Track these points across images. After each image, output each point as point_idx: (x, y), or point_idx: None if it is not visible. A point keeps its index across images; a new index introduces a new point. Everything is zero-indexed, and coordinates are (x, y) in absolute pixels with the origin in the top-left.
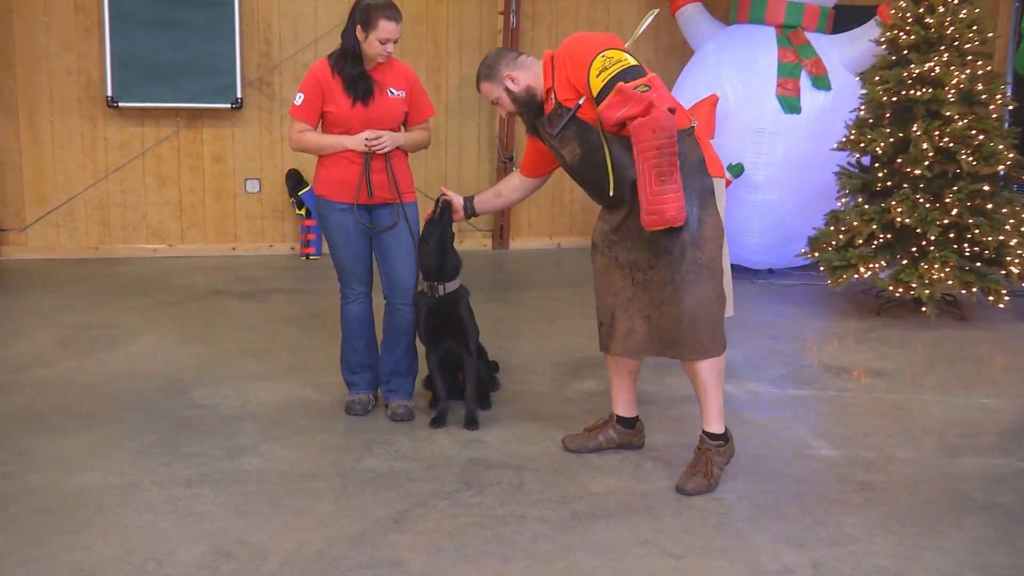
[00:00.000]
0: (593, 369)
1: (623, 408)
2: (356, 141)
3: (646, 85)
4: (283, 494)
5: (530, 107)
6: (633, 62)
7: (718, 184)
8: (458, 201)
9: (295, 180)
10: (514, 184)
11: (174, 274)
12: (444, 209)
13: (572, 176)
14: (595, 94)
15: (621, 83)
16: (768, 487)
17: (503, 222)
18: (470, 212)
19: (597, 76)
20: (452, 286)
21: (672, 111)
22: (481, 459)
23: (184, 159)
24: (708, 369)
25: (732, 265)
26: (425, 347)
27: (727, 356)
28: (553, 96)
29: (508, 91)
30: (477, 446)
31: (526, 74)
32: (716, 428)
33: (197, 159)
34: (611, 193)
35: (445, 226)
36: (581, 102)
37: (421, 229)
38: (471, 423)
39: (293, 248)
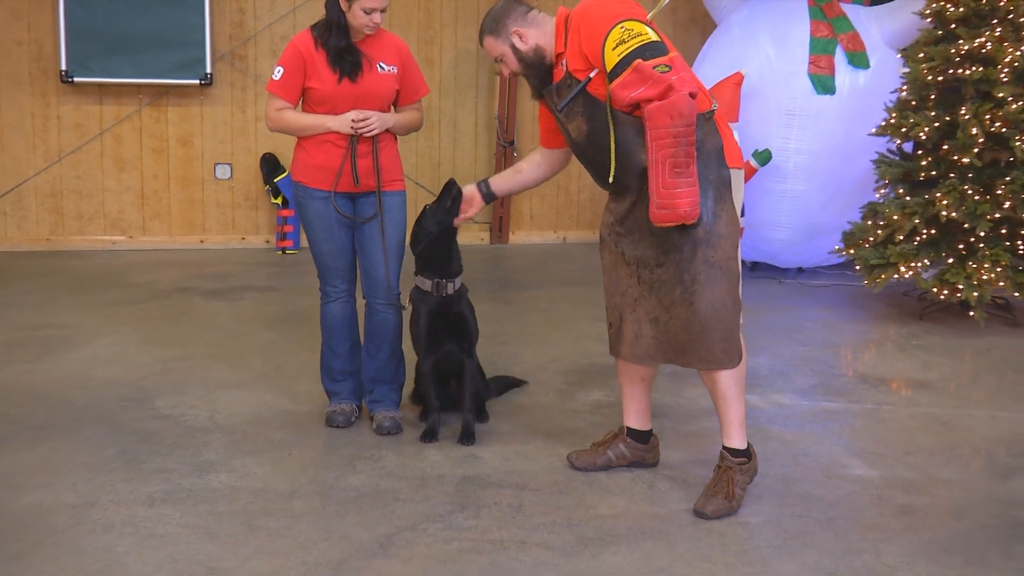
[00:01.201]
0: (602, 378)
1: (635, 420)
2: (341, 122)
3: (667, 65)
4: (256, 515)
5: (537, 70)
6: (654, 37)
7: (736, 176)
8: (470, 191)
9: (271, 165)
10: (536, 160)
11: (135, 269)
12: (456, 198)
13: (577, 155)
14: (609, 69)
15: (639, 60)
16: (796, 510)
17: (502, 213)
18: (489, 197)
19: (613, 49)
20: (457, 283)
21: (693, 96)
22: (477, 477)
23: (147, 141)
24: (728, 378)
25: (757, 263)
26: (421, 351)
27: (751, 364)
28: (564, 64)
29: (514, 49)
30: (472, 463)
31: (536, 32)
32: (738, 443)
33: (161, 141)
34: (610, 179)
35: (452, 214)
36: (592, 75)
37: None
38: (467, 437)
39: (268, 241)
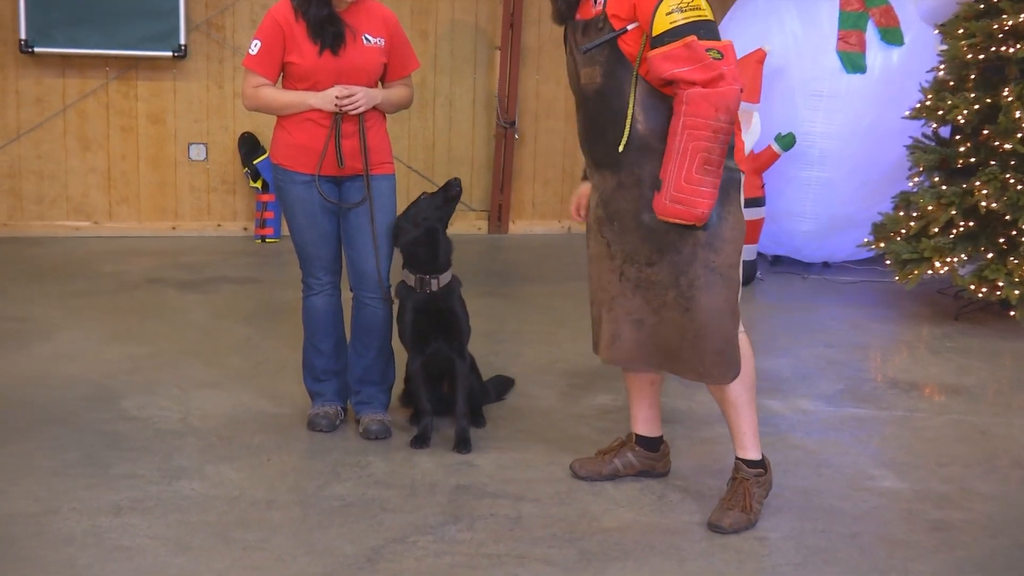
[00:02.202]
0: (609, 380)
1: (644, 427)
2: (323, 99)
3: (719, 52)
4: (232, 526)
5: None
6: (711, 16)
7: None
8: (585, 196)
9: (250, 146)
10: None
11: (101, 258)
12: (454, 199)
13: (578, 103)
14: (654, 34)
15: (694, 37)
16: (819, 525)
17: (501, 200)
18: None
19: (667, 15)
20: (445, 279)
21: (740, 91)
22: (472, 486)
23: (115, 119)
24: (736, 385)
25: (779, 257)
26: (408, 351)
27: (771, 366)
28: (601, 2)
29: None
30: (467, 471)
31: None
32: (753, 454)
33: (130, 119)
34: (620, 148)
35: (445, 214)
36: (630, 28)
37: (404, 208)
38: (462, 444)
39: (247, 229)
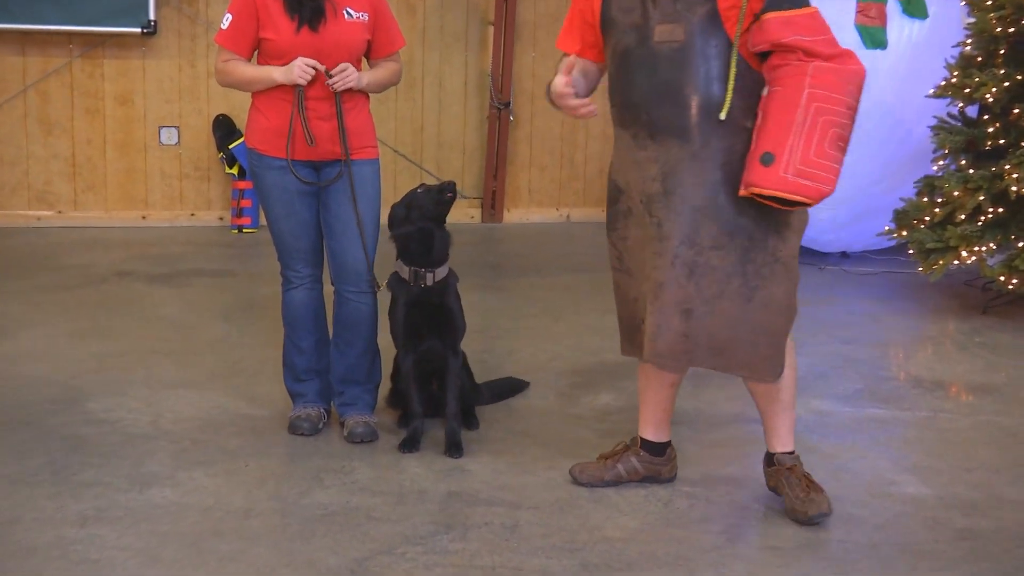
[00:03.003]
0: (611, 379)
1: (653, 431)
2: (287, 72)
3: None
4: (206, 536)
5: None
6: None
7: None
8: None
9: (225, 129)
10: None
11: (66, 250)
12: (449, 201)
13: (634, 63)
14: None
15: (817, 9)
16: (837, 534)
17: (495, 187)
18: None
19: None
20: (441, 272)
21: None
22: (465, 493)
23: (79, 100)
24: (785, 381)
25: None
26: (399, 348)
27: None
28: None
29: None
30: (459, 476)
31: None
32: (790, 446)
33: (96, 100)
34: (723, 115)
35: (440, 213)
36: None
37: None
38: (454, 449)
39: (222, 218)
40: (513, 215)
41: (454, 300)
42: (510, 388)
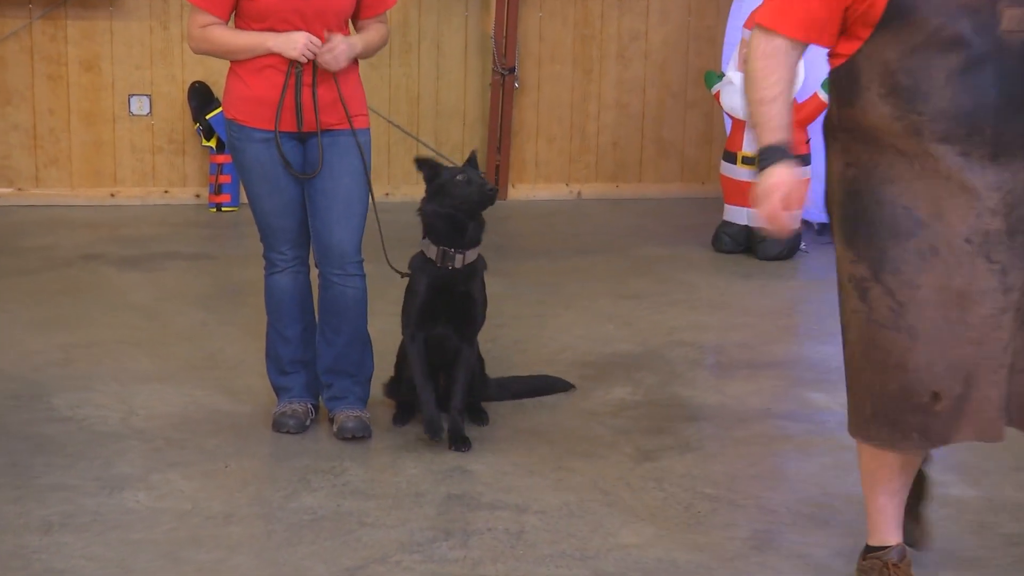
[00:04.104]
0: (625, 371)
1: (895, 533)
2: (286, 42)
3: None
4: (183, 544)
5: None
6: None
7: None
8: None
9: (202, 98)
10: (790, 64)
11: (26, 231)
12: (492, 199)
13: (967, 67)
14: None
15: None
16: None
17: (499, 161)
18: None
19: None
20: (471, 255)
21: None
22: (467, 496)
23: (40, 66)
24: None
25: (825, 225)
26: (409, 325)
27: (818, 354)
28: None
29: None
30: (460, 477)
31: None
32: None
33: (59, 66)
34: None
35: (483, 208)
36: None
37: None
38: (460, 441)
39: (199, 196)
40: (518, 191)
41: (479, 288)
42: (544, 387)
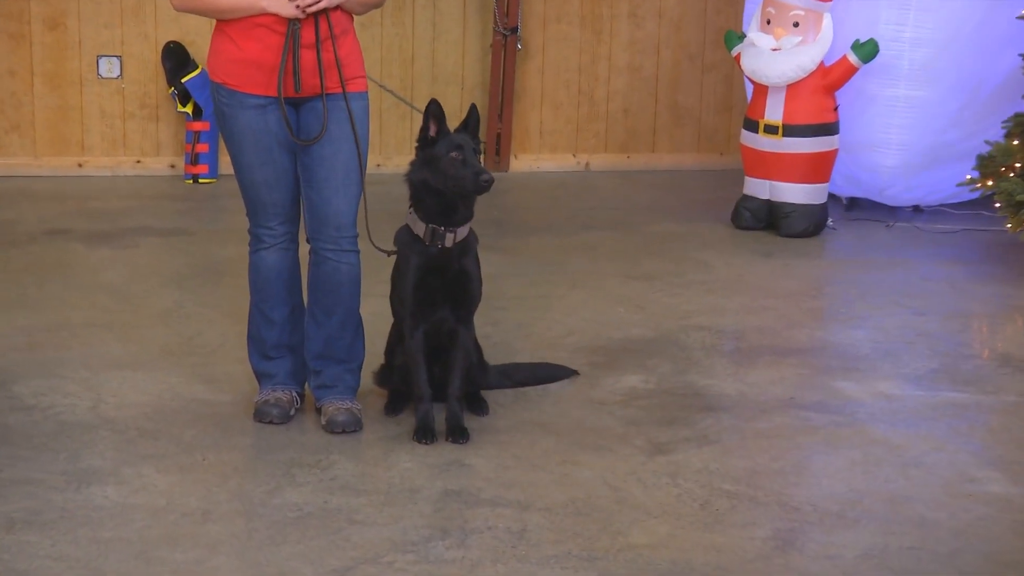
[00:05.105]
0: (636, 357)
1: None
2: (279, 0)
3: None
4: (157, 543)
5: None
6: None
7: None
8: None
9: (177, 59)
10: None
11: None
12: (486, 188)
13: None
14: None
15: None
16: (907, 541)
17: (500, 129)
18: None
19: None
20: (462, 232)
21: None
22: (465, 492)
23: (0, 23)
24: None
25: (855, 200)
26: (406, 317)
27: (846, 339)
28: None
29: None
30: (458, 472)
31: None
32: None
33: (20, 24)
34: None
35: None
36: None
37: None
38: (458, 432)
39: (174, 166)
40: (521, 162)
41: (474, 263)
42: (548, 375)
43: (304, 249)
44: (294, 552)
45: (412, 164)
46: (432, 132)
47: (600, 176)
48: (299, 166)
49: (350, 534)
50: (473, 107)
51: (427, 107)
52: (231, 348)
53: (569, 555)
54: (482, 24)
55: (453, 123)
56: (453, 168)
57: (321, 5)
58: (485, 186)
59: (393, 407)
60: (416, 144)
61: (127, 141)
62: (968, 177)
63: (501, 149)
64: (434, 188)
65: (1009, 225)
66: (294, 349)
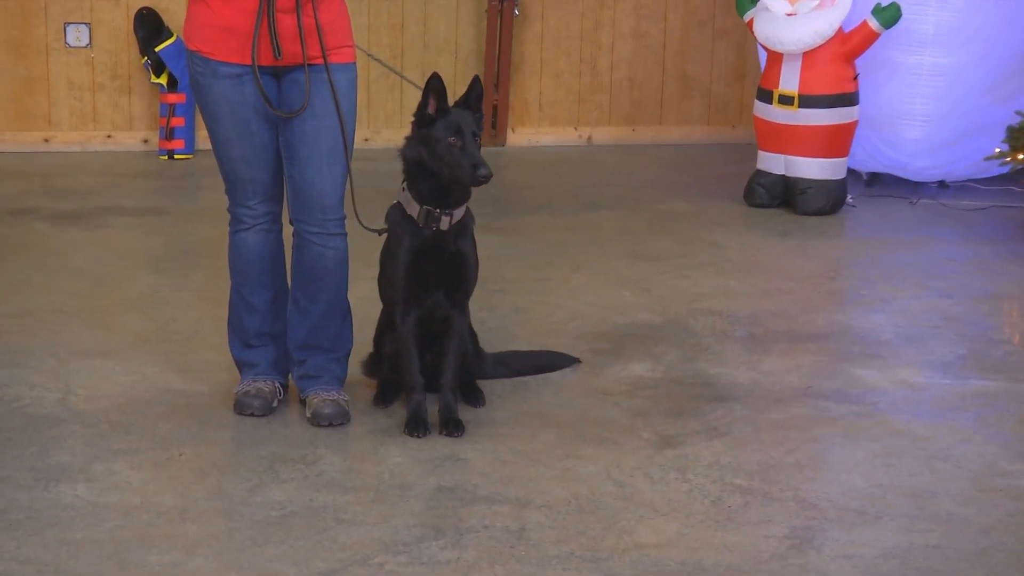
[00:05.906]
0: (643, 344)
1: None
2: None
3: None
4: (130, 544)
5: None
6: None
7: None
8: None
9: (150, 27)
10: None
11: None
12: (483, 182)
13: None
14: None
15: None
16: (931, 539)
17: (497, 101)
18: None
19: None
20: (459, 213)
21: None
22: (460, 488)
23: None
24: None
25: (876, 175)
26: (397, 301)
27: (866, 324)
28: None
29: None
30: (452, 467)
31: None
32: None
33: None
34: None
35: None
36: None
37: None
38: (453, 425)
39: (147, 141)
40: (519, 136)
41: (470, 245)
42: (547, 364)
43: (288, 231)
44: (277, 553)
45: (408, 139)
46: (431, 110)
47: (604, 151)
48: (281, 142)
49: (337, 534)
50: (476, 79)
51: (428, 82)
52: (209, 335)
53: (571, 555)
54: None
55: (450, 97)
56: (450, 155)
57: None
58: (482, 181)
59: (383, 398)
60: (413, 120)
61: (97, 115)
62: (997, 150)
63: (498, 122)
64: (430, 170)
65: None
66: (277, 337)
